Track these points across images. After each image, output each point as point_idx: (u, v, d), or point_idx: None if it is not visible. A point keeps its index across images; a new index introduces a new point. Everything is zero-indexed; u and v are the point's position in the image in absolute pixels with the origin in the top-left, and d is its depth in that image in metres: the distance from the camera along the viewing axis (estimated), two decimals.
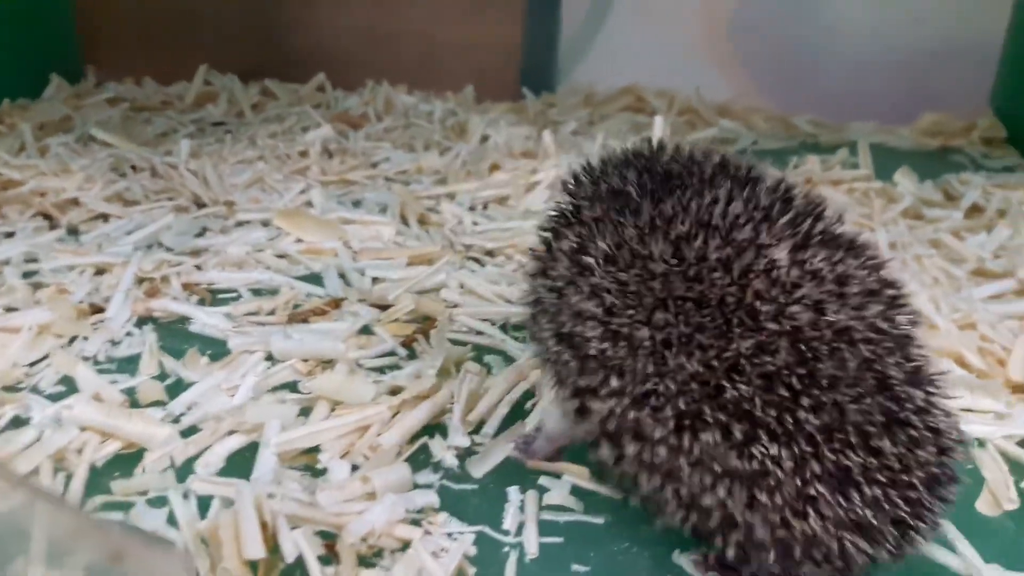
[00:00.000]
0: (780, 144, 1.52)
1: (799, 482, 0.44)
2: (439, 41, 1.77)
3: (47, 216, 1.05)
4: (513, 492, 0.59)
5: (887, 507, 0.44)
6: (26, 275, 0.88)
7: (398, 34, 1.76)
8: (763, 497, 0.44)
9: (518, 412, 0.69)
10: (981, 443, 0.68)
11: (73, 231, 1.01)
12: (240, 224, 1.04)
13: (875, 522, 0.44)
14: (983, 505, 0.62)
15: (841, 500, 0.44)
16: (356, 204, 1.12)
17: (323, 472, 0.60)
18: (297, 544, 0.52)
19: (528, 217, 1.06)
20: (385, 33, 1.76)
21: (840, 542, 0.44)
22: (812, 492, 0.44)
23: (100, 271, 0.90)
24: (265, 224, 1.03)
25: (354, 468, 0.60)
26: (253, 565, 0.52)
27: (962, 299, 0.86)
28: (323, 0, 1.77)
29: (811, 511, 0.44)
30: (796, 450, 0.43)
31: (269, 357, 0.74)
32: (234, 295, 0.87)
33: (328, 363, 0.73)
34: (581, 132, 1.48)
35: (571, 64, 1.98)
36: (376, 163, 1.28)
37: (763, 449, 0.44)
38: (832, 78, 1.95)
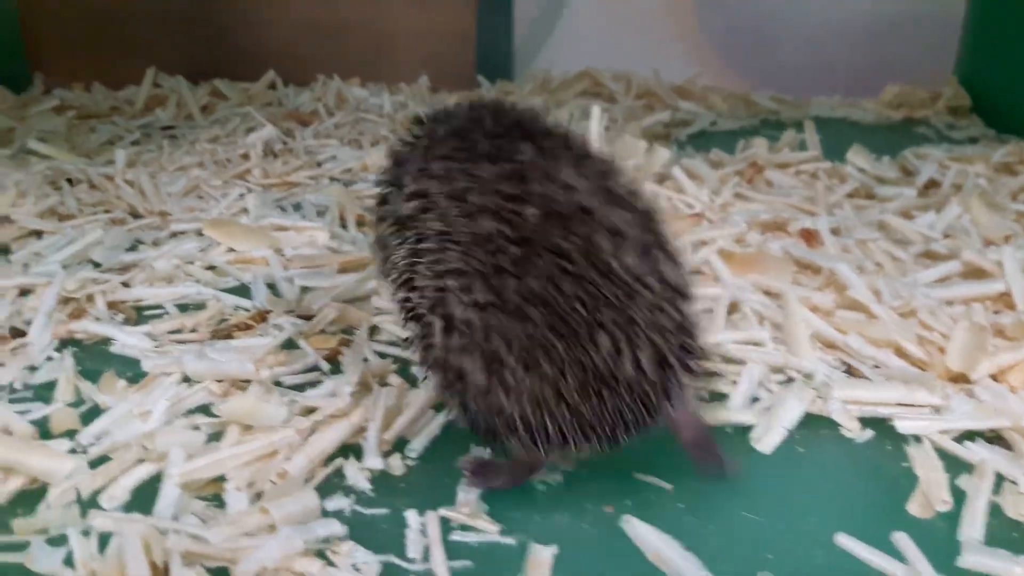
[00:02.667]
0: (740, 123, 1.49)
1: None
2: (390, 31, 1.73)
3: None
4: (413, 516, 0.57)
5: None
6: None
7: (347, 26, 1.73)
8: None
9: (451, 428, 0.66)
10: (917, 439, 0.66)
11: (4, 250, 0.99)
12: (174, 235, 1.01)
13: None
14: (915, 507, 0.60)
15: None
16: (297, 207, 1.09)
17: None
18: None
19: None
20: (334, 25, 1.73)
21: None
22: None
23: (24, 292, 0.87)
24: (200, 234, 1.00)
25: (259, 497, 0.58)
26: None
27: (906, 284, 0.84)
28: None
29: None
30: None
31: (187, 378, 0.72)
32: (160, 312, 0.85)
33: (245, 383, 0.71)
34: None
35: (532, 50, 1.95)
36: (322, 162, 1.26)
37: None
38: (796, 51, 1.93)
